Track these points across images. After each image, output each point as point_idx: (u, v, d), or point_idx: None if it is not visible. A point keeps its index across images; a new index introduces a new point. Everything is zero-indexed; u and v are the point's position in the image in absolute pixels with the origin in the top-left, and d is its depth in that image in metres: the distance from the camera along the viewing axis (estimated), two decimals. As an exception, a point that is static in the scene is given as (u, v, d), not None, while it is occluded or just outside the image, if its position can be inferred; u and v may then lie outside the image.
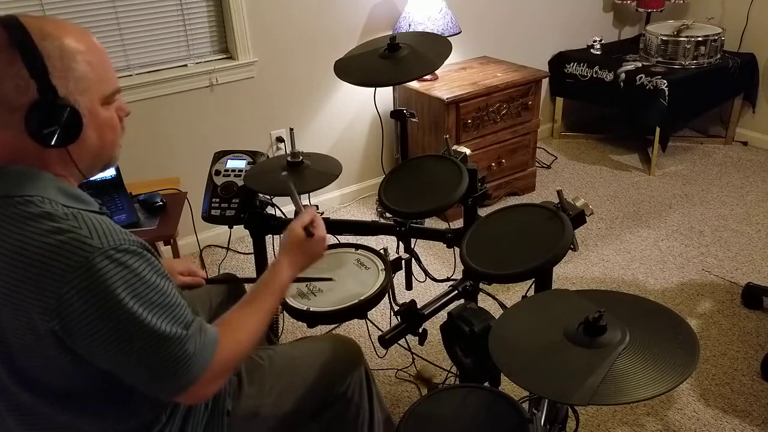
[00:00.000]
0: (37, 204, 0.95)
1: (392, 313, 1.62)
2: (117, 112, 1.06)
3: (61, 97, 0.95)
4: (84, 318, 0.92)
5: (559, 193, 1.53)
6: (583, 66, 3.63)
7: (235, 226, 1.92)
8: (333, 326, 2.40)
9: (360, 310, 1.49)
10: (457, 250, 1.58)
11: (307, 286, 1.56)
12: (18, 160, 0.97)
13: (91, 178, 1.10)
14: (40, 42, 0.93)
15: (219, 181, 1.90)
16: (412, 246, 2.07)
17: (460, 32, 2.99)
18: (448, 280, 2.15)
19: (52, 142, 0.95)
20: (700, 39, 3.38)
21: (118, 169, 2.25)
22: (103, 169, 1.11)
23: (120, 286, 0.93)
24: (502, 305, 1.88)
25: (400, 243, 2.00)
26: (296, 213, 1.39)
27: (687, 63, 3.41)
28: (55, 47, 0.95)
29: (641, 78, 3.35)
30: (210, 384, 1.06)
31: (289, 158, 1.82)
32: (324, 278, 1.56)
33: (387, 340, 1.48)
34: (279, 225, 1.93)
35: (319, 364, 1.39)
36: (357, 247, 1.70)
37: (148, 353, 0.97)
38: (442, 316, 1.48)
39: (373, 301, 1.50)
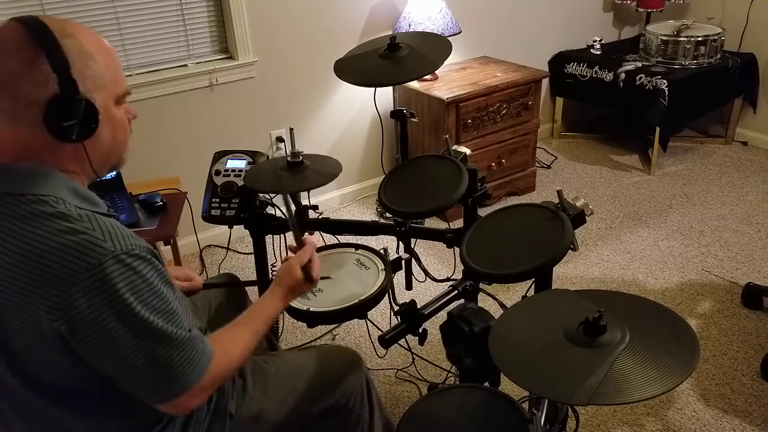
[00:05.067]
0: (51, 204, 0.96)
1: (392, 313, 1.62)
2: (125, 114, 1.08)
3: (80, 92, 0.96)
4: (92, 319, 0.92)
5: (559, 193, 1.53)
6: (583, 66, 3.63)
7: (235, 226, 1.92)
8: (333, 326, 2.40)
9: (360, 310, 1.49)
10: (457, 250, 1.58)
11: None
12: (30, 157, 0.98)
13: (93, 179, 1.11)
14: (62, 40, 0.95)
15: (219, 181, 1.90)
16: (412, 246, 2.07)
17: (460, 32, 2.99)
18: (448, 280, 2.15)
19: (72, 136, 0.96)
20: (700, 39, 3.38)
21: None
22: (112, 169, 1.13)
23: (129, 289, 0.94)
24: (502, 305, 1.88)
25: (400, 243, 1.99)
26: (294, 234, 1.40)
27: (687, 63, 3.41)
28: (76, 46, 0.97)
29: (641, 78, 3.35)
30: (197, 395, 1.07)
31: (289, 158, 1.82)
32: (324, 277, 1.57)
33: (387, 340, 1.48)
34: (279, 225, 1.93)
35: (323, 372, 1.40)
36: (357, 247, 1.70)
37: (152, 355, 0.98)
38: (442, 316, 1.48)
39: (373, 301, 1.50)
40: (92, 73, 0.98)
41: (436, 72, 3.10)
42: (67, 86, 0.95)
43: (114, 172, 2.24)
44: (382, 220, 2.99)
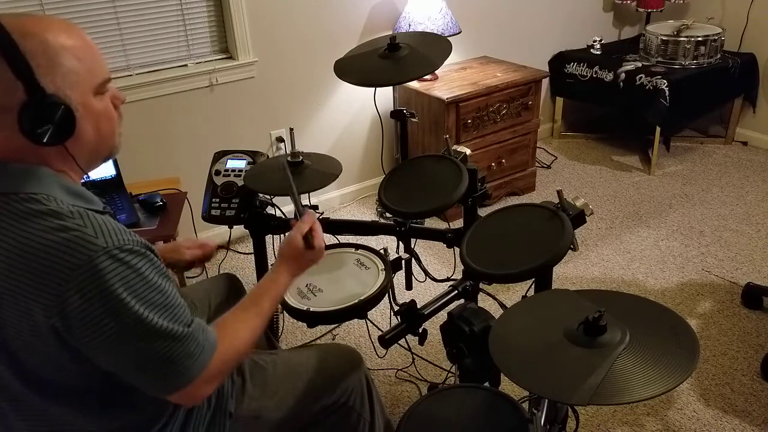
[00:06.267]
0: (43, 202, 0.95)
1: (392, 313, 1.62)
2: (112, 101, 1.05)
3: (49, 94, 0.93)
4: (86, 316, 0.92)
5: (559, 193, 1.53)
6: (583, 66, 3.63)
7: (235, 226, 1.92)
8: (333, 326, 2.40)
9: (360, 310, 1.49)
10: (457, 250, 1.58)
11: (307, 286, 1.56)
12: (19, 159, 0.97)
13: (92, 178, 1.10)
14: (22, 41, 0.91)
15: (219, 181, 1.90)
16: (412, 246, 2.07)
17: (460, 32, 2.99)
18: (448, 280, 2.15)
19: (46, 140, 0.94)
20: (700, 39, 3.38)
21: (118, 169, 2.24)
22: (105, 160, 1.10)
23: (122, 285, 0.93)
24: (502, 305, 1.88)
25: (400, 243, 2.00)
26: (296, 214, 1.38)
27: (687, 63, 3.41)
28: (38, 44, 0.93)
29: (641, 78, 3.35)
30: (206, 385, 1.06)
31: (289, 158, 1.82)
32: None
33: (387, 340, 1.48)
34: (279, 225, 1.93)
35: (322, 370, 1.39)
36: (357, 247, 1.70)
37: (150, 351, 0.97)
38: (442, 316, 1.48)
39: (373, 301, 1.50)
40: (62, 70, 0.95)
41: (436, 72, 3.09)
42: (34, 92, 0.92)
43: (114, 172, 2.24)
44: (382, 220, 2.99)
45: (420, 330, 1.53)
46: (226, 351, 1.08)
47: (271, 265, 2.04)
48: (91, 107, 1.00)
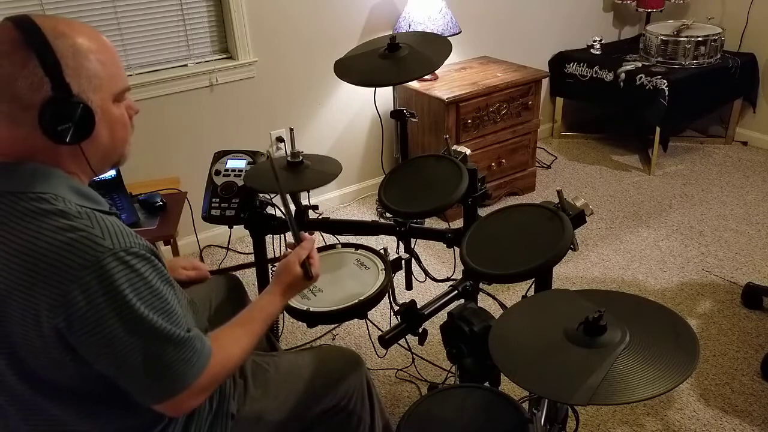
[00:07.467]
0: (51, 201, 0.96)
1: (392, 313, 1.62)
2: (126, 110, 1.08)
3: (74, 94, 0.96)
4: (90, 316, 0.93)
5: (559, 193, 1.53)
6: (583, 66, 3.63)
7: (235, 226, 1.92)
8: (333, 326, 2.40)
9: (360, 310, 1.49)
10: (457, 250, 1.58)
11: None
12: (31, 157, 0.98)
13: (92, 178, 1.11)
14: (54, 41, 0.95)
15: (219, 181, 1.90)
16: (412, 246, 2.07)
17: (460, 32, 2.99)
18: (448, 280, 2.15)
19: (66, 139, 0.96)
20: (700, 39, 3.38)
21: (118, 169, 2.25)
22: (113, 166, 1.13)
23: (127, 287, 0.94)
24: (502, 305, 1.88)
25: (400, 243, 2.00)
26: (291, 228, 1.38)
27: (687, 63, 3.41)
28: (68, 46, 0.96)
29: (641, 78, 3.35)
30: (195, 396, 1.06)
31: (289, 158, 1.82)
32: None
33: (387, 340, 1.48)
34: (279, 225, 1.93)
35: (323, 373, 1.40)
36: (357, 247, 1.70)
37: (149, 353, 0.98)
38: (442, 316, 1.48)
39: (373, 301, 1.50)
40: (87, 73, 0.98)
41: (436, 72, 3.09)
42: (60, 89, 0.94)
43: (114, 172, 2.24)
44: (382, 220, 2.99)
45: (420, 330, 1.53)
46: (216, 365, 1.08)
47: (271, 265, 2.05)
48: (109, 112, 1.03)
